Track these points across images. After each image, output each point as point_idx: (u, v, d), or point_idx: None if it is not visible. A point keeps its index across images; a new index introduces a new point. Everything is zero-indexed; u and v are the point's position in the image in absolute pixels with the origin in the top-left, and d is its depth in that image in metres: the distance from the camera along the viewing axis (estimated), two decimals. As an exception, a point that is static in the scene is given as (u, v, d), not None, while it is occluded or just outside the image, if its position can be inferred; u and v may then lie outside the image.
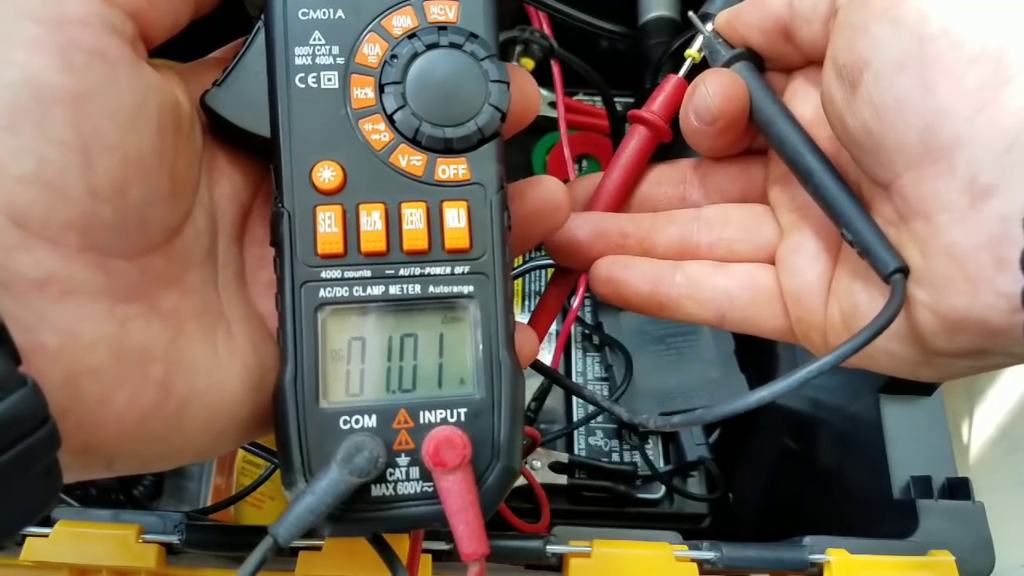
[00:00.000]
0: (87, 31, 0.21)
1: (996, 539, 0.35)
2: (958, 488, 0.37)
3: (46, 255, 0.20)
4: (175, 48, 0.26)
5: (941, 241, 0.23)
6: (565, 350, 0.57)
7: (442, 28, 0.25)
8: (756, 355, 0.56)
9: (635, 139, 0.33)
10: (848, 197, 0.26)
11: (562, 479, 0.52)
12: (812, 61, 0.29)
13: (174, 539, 0.33)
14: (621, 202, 0.33)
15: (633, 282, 0.31)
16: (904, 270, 0.25)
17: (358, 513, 0.24)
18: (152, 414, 0.22)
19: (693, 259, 0.32)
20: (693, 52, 0.32)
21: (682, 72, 0.33)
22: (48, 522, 0.33)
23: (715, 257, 0.31)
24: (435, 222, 0.25)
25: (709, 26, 0.31)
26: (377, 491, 0.24)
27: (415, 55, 0.25)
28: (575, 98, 0.62)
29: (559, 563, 0.33)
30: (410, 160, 0.25)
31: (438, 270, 0.25)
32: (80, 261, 0.21)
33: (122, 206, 0.21)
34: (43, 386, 0.18)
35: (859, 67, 0.24)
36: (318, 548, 0.32)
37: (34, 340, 0.19)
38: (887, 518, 0.38)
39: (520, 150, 0.62)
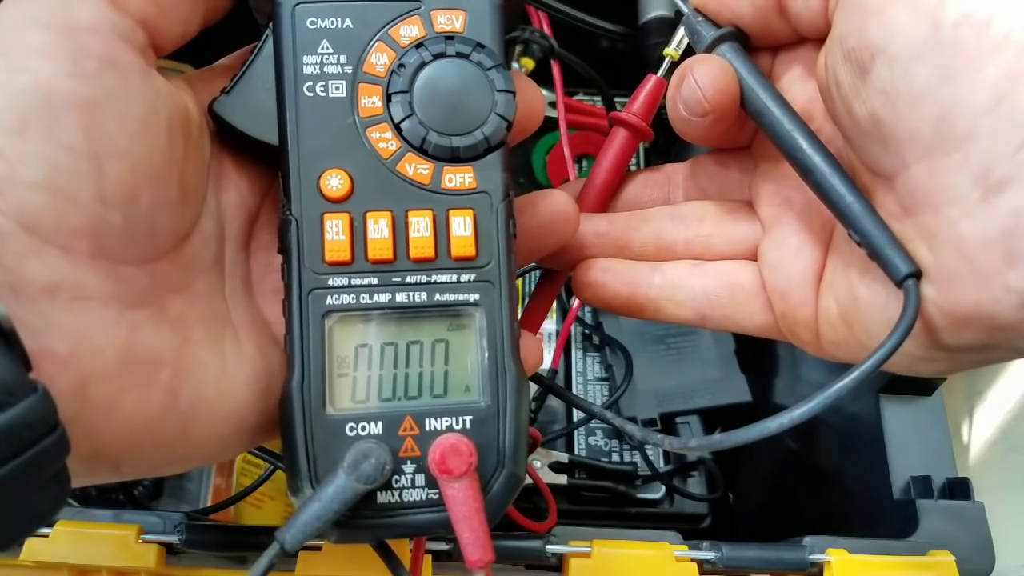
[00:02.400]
0: (98, 38, 0.21)
1: (996, 539, 0.35)
2: (958, 488, 0.37)
3: (56, 261, 0.20)
4: (183, 53, 0.26)
5: (950, 235, 0.22)
6: (565, 350, 0.57)
7: (449, 38, 0.25)
8: (757, 355, 0.56)
9: (616, 141, 0.33)
10: (855, 195, 0.25)
11: (562, 479, 0.52)
12: (804, 38, 0.28)
13: (174, 539, 0.33)
14: (605, 204, 0.33)
15: (612, 285, 0.31)
16: (917, 274, 0.24)
17: (364, 520, 0.24)
18: (160, 419, 0.22)
19: (672, 257, 0.31)
20: (671, 51, 0.32)
21: (661, 72, 0.33)
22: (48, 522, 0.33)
23: (693, 254, 0.31)
24: (441, 230, 0.25)
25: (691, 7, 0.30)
26: (383, 498, 0.24)
27: (422, 64, 0.25)
28: (575, 98, 0.62)
29: (559, 563, 0.33)
30: (417, 168, 0.25)
31: (444, 278, 0.25)
32: (90, 267, 0.21)
33: (132, 212, 0.22)
34: (52, 392, 0.19)
35: (871, 52, 0.23)
36: (318, 548, 0.32)
37: (44, 346, 0.19)
38: (887, 518, 0.38)
39: (520, 150, 0.62)
